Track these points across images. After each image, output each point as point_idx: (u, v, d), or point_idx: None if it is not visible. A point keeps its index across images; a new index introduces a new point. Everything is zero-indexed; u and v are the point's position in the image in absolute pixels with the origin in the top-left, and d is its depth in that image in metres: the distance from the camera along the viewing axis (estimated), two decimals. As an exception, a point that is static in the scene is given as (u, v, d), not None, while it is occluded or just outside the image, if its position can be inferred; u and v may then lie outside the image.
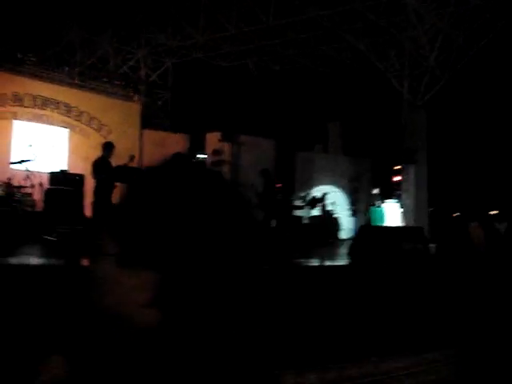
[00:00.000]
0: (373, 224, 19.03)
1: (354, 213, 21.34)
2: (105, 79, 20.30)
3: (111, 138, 20.01)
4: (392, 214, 19.56)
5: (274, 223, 15.90)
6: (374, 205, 19.59)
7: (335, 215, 20.93)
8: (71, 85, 19.13)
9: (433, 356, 7.18)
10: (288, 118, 23.66)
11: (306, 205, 18.72)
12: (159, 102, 23.69)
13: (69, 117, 19.11)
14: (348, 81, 23.38)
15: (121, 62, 22.54)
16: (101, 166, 12.26)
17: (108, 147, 12.44)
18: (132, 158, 12.75)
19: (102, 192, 12.13)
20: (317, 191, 20.86)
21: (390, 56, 21.23)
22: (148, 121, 22.71)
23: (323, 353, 5.74)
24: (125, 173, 12.33)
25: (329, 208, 20.92)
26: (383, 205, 19.75)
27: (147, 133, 21.12)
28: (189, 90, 23.50)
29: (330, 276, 7.12)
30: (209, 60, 23.26)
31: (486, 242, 14.41)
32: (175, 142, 21.76)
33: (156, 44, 22.26)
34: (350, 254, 11.42)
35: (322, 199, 18.39)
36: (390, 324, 7.05)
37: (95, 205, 12.41)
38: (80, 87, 19.37)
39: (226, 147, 20.54)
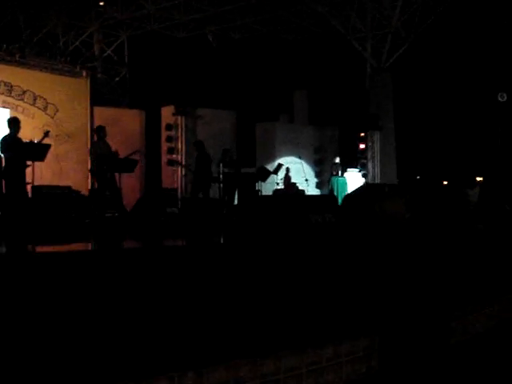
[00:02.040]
0: (335, 195, 17.69)
1: (320, 184, 20.00)
2: (48, 55, 18.80)
3: (59, 116, 18.77)
4: (354, 183, 18.23)
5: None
6: (335, 174, 18.23)
7: (299, 187, 19.58)
8: (11, 62, 17.71)
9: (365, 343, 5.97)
10: (251, 88, 22.24)
11: (272, 172, 17.34)
12: (116, 78, 22.23)
13: (10, 96, 17.71)
14: (312, 47, 21.97)
15: (73, 37, 21.06)
16: (9, 144, 10.95)
17: (14, 123, 11.12)
18: (46, 133, 11.42)
19: (11, 171, 10.87)
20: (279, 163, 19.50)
21: (351, 18, 19.74)
22: (104, 98, 21.36)
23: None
24: (36, 150, 11.06)
25: (292, 180, 19.61)
26: (345, 174, 18.41)
27: (99, 110, 19.72)
28: (147, 64, 22.09)
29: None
30: (165, 31, 21.81)
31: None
32: (130, 119, 20.47)
33: (107, 17, 20.77)
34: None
35: (281, 165, 16.94)
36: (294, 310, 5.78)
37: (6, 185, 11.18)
38: (22, 65, 17.94)
39: (180, 121, 19.17)
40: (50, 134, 11.63)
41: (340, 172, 18.24)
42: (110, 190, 12.07)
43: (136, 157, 13.14)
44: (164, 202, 12.79)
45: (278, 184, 16.76)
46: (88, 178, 12.90)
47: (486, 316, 7.57)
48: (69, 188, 13.58)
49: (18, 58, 17.83)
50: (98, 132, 12.50)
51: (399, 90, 20.22)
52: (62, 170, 18.51)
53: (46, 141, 11.51)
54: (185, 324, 4.95)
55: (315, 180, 20.76)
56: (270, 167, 19.37)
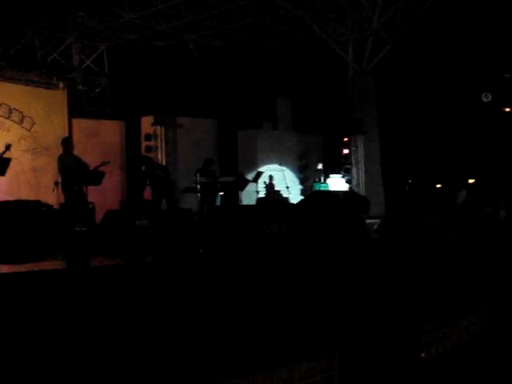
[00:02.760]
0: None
1: (304, 191, 19.47)
2: (24, 67, 18.27)
3: (35, 129, 18.15)
4: (338, 189, 17.71)
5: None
6: (317, 181, 17.71)
7: (283, 195, 19.04)
8: (-15, 76, 17.19)
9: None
10: (233, 96, 21.73)
11: (252, 180, 16.80)
12: (97, 90, 21.72)
13: (-16, 110, 17.18)
14: (293, 53, 21.48)
15: (51, 49, 20.55)
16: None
17: None
18: (8, 147, 10.90)
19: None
20: (261, 171, 18.97)
21: (331, 21, 19.28)
22: (85, 109, 20.88)
23: None
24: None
25: (276, 188, 19.08)
26: (328, 180, 17.88)
27: (77, 122, 19.18)
28: (127, 75, 21.57)
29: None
30: (144, 41, 21.32)
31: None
32: (109, 130, 19.91)
33: (85, 27, 20.26)
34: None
35: (261, 173, 16.36)
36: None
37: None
38: (-4, 78, 17.41)
39: (159, 131, 18.65)
40: (10, 147, 11.07)
41: (322, 178, 17.73)
42: (78, 204, 11.55)
43: (106, 168, 12.57)
44: (134, 214, 12.23)
45: (258, 193, 16.17)
46: (54, 191, 12.32)
47: (462, 328, 7.04)
48: (38, 202, 13.01)
49: (-9, 72, 17.34)
50: (65, 144, 11.99)
51: (382, 94, 19.74)
52: (39, 183, 18.01)
53: (8, 154, 11.01)
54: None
55: (300, 187, 20.21)
56: (252, 176, 18.91)
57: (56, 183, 11.98)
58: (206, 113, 20.61)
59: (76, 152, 19.00)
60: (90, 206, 13.72)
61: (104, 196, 17.77)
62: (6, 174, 15.04)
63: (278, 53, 21.50)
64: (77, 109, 20.28)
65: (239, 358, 4.87)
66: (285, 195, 19.16)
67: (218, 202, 15.22)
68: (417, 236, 7.61)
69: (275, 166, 19.35)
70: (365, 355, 5.56)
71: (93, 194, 17.82)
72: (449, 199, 17.30)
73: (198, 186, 14.43)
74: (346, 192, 12.92)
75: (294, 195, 19.53)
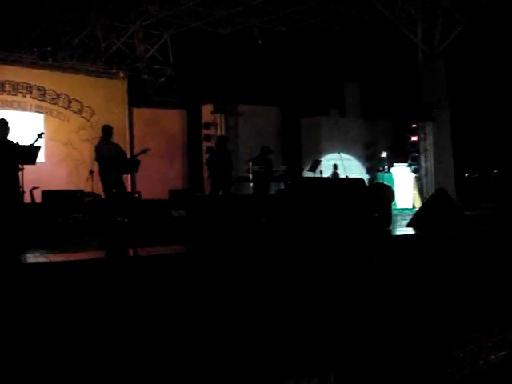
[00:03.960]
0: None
1: (371, 182, 18.32)
2: (84, 57, 18.04)
3: (95, 119, 17.93)
4: (402, 179, 16.53)
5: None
6: (381, 170, 16.58)
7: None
8: (44, 66, 17.03)
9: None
10: (299, 82, 20.80)
11: (309, 170, 15.93)
12: (162, 79, 21.28)
13: (43, 100, 17.03)
14: (360, 37, 20.28)
15: (114, 39, 20.21)
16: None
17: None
18: (40, 135, 10.44)
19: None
20: (326, 160, 18.00)
21: (399, 0, 18.00)
22: (148, 99, 20.47)
23: None
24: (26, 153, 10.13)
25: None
26: (392, 169, 16.69)
27: (138, 111, 18.86)
28: (192, 63, 21.02)
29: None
30: (208, 28, 20.66)
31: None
32: (170, 119, 19.49)
33: (147, 16, 19.79)
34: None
35: (319, 162, 15.40)
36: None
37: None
38: (55, 68, 17.24)
39: (219, 119, 17.99)
40: (43, 135, 10.59)
41: (386, 167, 16.58)
42: (117, 193, 11.04)
43: (167, 158, 11.99)
44: (173, 204, 11.64)
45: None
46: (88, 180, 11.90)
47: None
48: (81, 191, 12.65)
49: (50, 62, 17.13)
50: (103, 132, 11.46)
51: (455, 78, 18.32)
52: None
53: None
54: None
55: (366, 177, 19.05)
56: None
57: (91, 172, 11.52)
58: (270, 101, 19.81)
59: (137, 141, 18.90)
60: (136, 195, 13.27)
61: (164, 185, 17.36)
62: (67, 163, 14.77)
63: (345, 37, 20.37)
64: (141, 98, 19.97)
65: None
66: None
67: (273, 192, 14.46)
68: (454, 231, 6.60)
69: (338, 155, 18.35)
70: (367, 373, 4.64)
71: (151, 183, 17.64)
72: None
73: (251, 176, 13.77)
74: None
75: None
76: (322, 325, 4.76)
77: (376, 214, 7.56)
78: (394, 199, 10.63)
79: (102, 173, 11.13)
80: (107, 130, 11.43)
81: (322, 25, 20.49)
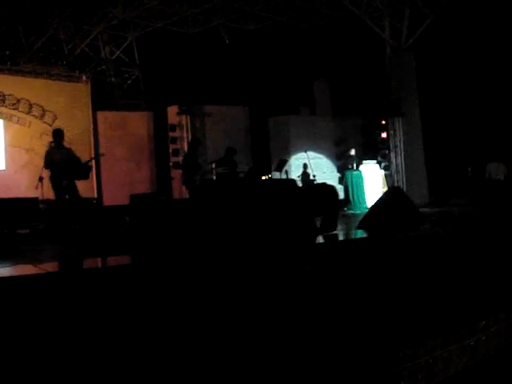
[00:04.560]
0: (350, 191, 15.65)
1: (342, 179, 17.95)
2: (46, 61, 17.54)
3: (58, 123, 17.29)
4: (372, 177, 16.15)
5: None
6: (350, 168, 16.18)
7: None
8: (3, 71, 16.51)
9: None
10: (268, 81, 20.38)
11: (275, 169, 15.55)
12: (128, 81, 20.78)
13: (3, 106, 16.49)
14: (329, 34, 19.87)
15: (78, 41, 19.66)
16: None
17: None
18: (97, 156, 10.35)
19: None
20: (295, 159, 17.61)
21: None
22: (115, 102, 19.97)
23: None
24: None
25: (311, 177, 17.67)
26: (361, 167, 16.30)
27: (103, 114, 18.35)
28: (159, 64, 20.53)
29: None
30: (173, 28, 20.17)
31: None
32: (137, 122, 18.98)
33: (111, 18, 19.26)
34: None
35: (285, 161, 14.98)
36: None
37: None
38: (14, 72, 16.74)
39: (185, 121, 17.53)
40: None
41: (355, 165, 16.19)
42: (68, 199, 10.60)
43: (133, 161, 11.59)
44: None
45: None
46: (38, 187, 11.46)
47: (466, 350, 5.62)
48: (35, 199, 12.15)
49: (9, 66, 16.63)
50: (54, 137, 11.01)
51: (424, 72, 17.98)
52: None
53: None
54: None
55: (338, 175, 18.65)
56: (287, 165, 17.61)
57: (40, 179, 11.06)
58: (239, 101, 19.40)
59: (103, 145, 18.40)
60: (94, 201, 12.81)
61: (131, 190, 16.86)
62: (29, 170, 14.33)
63: (313, 34, 19.97)
64: (106, 101, 19.49)
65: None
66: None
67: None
68: (404, 232, 6.17)
69: (310, 154, 17.95)
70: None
71: (117, 187, 17.14)
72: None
73: (215, 178, 13.36)
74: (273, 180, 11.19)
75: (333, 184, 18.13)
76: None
77: (318, 218, 7.13)
78: (338, 200, 10.18)
79: (52, 179, 10.66)
80: (59, 134, 11.00)
81: (289, 22, 20.08)
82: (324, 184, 11.50)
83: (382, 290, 5.21)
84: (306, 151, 16.39)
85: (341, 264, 4.84)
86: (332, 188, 8.43)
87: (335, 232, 7.04)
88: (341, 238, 6.85)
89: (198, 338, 4.06)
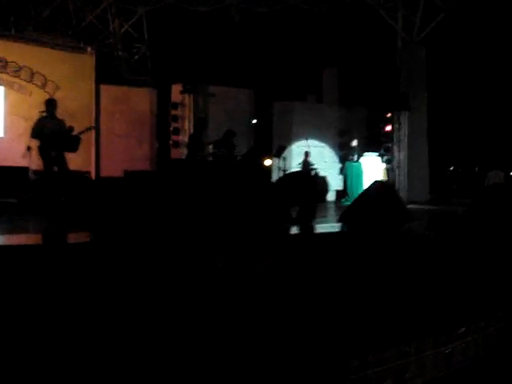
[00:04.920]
0: (349, 182, 15.35)
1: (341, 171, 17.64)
2: (51, 31, 17.23)
3: (59, 94, 16.95)
4: (372, 169, 15.82)
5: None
6: (350, 159, 15.85)
7: (319, 174, 17.29)
8: (6, 37, 16.19)
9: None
10: (276, 65, 20.04)
11: (274, 155, 15.25)
12: (136, 57, 20.43)
13: (4, 72, 16.21)
14: (342, 21, 19.46)
15: (87, 13, 19.34)
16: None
17: None
18: (89, 128, 10.45)
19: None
20: (296, 146, 17.30)
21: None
22: (121, 77, 19.63)
23: None
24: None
25: (312, 165, 17.36)
26: (361, 159, 15.97)
27: (106, 88, 18.04)
28: (167, 41, 20.20)
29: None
30: (185, 5, 19.80)
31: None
32: (140, 98, 18.66)
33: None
34: None
35: (283, 147, 14.67)
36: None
37: None
38: (18, 39, 16.40)
39: (188, 100, 17.22)
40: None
41: (356, 157, 15.86)
42: (57, 171, 10.37)
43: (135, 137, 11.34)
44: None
45: (280, 169, 14.46)
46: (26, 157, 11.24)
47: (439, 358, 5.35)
48: (25, 169, 11.94)
49: (13, 32, 16.32)
50: (47, 106, 10.76)
51: (435, 66, 17.59)
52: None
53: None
54: None
55: (339, 165, 18.29)
56: (287, 150, 17.31)
57: (28, 148, 10.82)
58: (246, 83, 19.05)
59: (104, 119, 18.13)
60: (86, 175, 12.58)
61: (130, 166, 16.59)
62: (26, 139, 14.07)
63: (325, 21, 19.56)
64: (111, 75, 19.16)
65: None
66: (322, 174, 17.48)
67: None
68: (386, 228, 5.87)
69: (311, 142, 17.62)
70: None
71: (116, 163, 16.87)
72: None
73: (211, 159, 13.09)
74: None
75: (332, 174, 17.82)
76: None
77: (296, 208, 6.80)
78: (315, 190, 9.87)
79: (41, 149, 10.41)
80: (52, 104, 10.76)
81: (301, 7, 19.68)
82: (300, 172, 11.21)
83: (350, 289, 4.93)
84: (307, 139, 16.08)
85: (305, 259, 4.55)
86: (310, 177, 8.12)
87: (310, 224, 6.73)
88: (310, 230, 6.53)
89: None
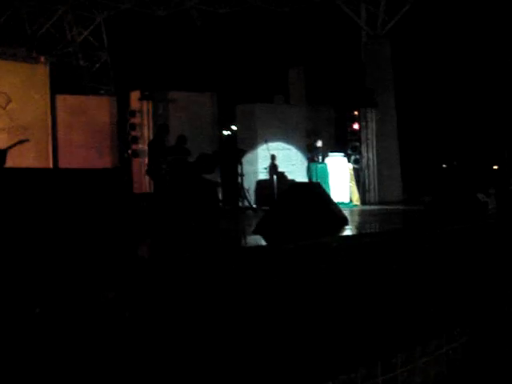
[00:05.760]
0: (314, 185, 14.56)
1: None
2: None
3: (11, 106, 16.30)
4: (338, 170, 15.07)
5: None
6: (316, 160, 15.09)
7: (288, 178, 16.57)
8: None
9: None
10: (242, 67, 19.30)
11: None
12: (97, 65, 19.64)
13: (-51, 87, 15.42)
14: (305, 19, 18.76)
15: (42, 21, 18.53)
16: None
17: None
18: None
19: None
20: (262, 150, 16.53)
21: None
22: (78, 86, 18.86)
23: None
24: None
25: (280, 169, 16.65)
26: (326, 160, 15.21)
27: (62, 98, 17.20)
28: (126, 48, 19.45)
29: None
30: (143, 10, 19.02)
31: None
32: (99, 107, 17.83)
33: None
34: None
35: (241, 152, 13.89)
36: None
37: None
38: (-35, 51, 15.61)
39: (146, 107, 16.43)
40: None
41: (321, 157, 15.10)
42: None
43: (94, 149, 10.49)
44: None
45: (239, 175, 13.65)
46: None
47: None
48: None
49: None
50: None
51: (400, 61, 16.87)
52: (16, 166, 16.16)
53: None
54: None
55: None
56: (252, 154, 16.61)
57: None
58: (210, 88, 18.27)
59: (61, 130, 17.32)
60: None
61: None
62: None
63: (288, 19, 18.82)
64: (71, 85, 18.39)
65: None
66: (290, 177, 16.73)
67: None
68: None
69: (278, 144, 16.89)
70: None
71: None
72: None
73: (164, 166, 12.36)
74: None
75: (300, 178, 17.04)
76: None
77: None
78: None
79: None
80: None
81: (264, 7, 18.92)
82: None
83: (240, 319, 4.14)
84: (266, 141, 15.33)
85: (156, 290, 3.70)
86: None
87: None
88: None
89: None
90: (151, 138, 16.10)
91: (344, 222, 6.94)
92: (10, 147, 9.89)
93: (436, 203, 8.65)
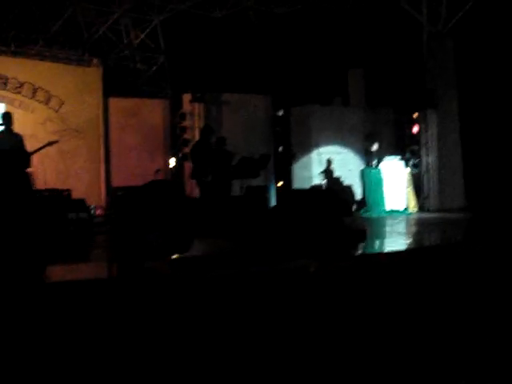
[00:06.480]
0: (367, 191, 13.74)
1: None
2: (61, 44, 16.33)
3: (64, 109, 16.20)
4: (393, 176, 14.14)
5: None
6: (370, 165, 14.22)
7: (344, 183, 15.78)
8: (6, 53, 15.35)
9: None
10: (300, 69, 18.59)
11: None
12: (153, 67, 19.32)
13: (5, 90, 15.35)
14: (365, 19, 17.86)
15: (98, 25, 18.34)
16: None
17: None
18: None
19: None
20: (316, 154, 15.80)
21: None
22: (132, 88, 18.57)
23: None
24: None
25: (336, 174, 15.86)
26: (381, 164, 14.30)
27: (115, 101, 16.99)
28: (184, 50, 19.04)
29: None
30: (201, 12, 18.56)
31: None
32: (152, 110, 17.55)
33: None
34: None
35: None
36: None
37: None
38: (18, 55, 15.56)
39: (197, 109, 15.97)
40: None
41: (376, 162, 14.21)
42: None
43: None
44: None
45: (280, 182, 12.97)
46: None
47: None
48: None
49: (13, 48, 15.45)
50: (3, 120, 9.73)
51: (465, 60, 15.80)
52: (68, 169, 16.06)
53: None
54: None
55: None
56: (307, 158, 15.92)
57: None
58: (264, 89, 17.68)
59: (113, 133, 17.09)
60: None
61: (145, 181, 15.44)
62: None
63: (348, 19, 17.97)
64: (122, 88, 18.14)
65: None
66: (346, 183, 15.95)
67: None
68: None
69: (335, 148, 16.11)
70: None
71: (129, 178, 15.70)
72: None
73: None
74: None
75: (357, 183, 16.21)
76: None
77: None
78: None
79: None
80: (7, 118, 9.70)
81: (323, 6, 18.15)
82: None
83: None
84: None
85: None
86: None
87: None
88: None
89: None
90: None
91: (361, 236, 6.11)
92: (39, 150, 9.54)
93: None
